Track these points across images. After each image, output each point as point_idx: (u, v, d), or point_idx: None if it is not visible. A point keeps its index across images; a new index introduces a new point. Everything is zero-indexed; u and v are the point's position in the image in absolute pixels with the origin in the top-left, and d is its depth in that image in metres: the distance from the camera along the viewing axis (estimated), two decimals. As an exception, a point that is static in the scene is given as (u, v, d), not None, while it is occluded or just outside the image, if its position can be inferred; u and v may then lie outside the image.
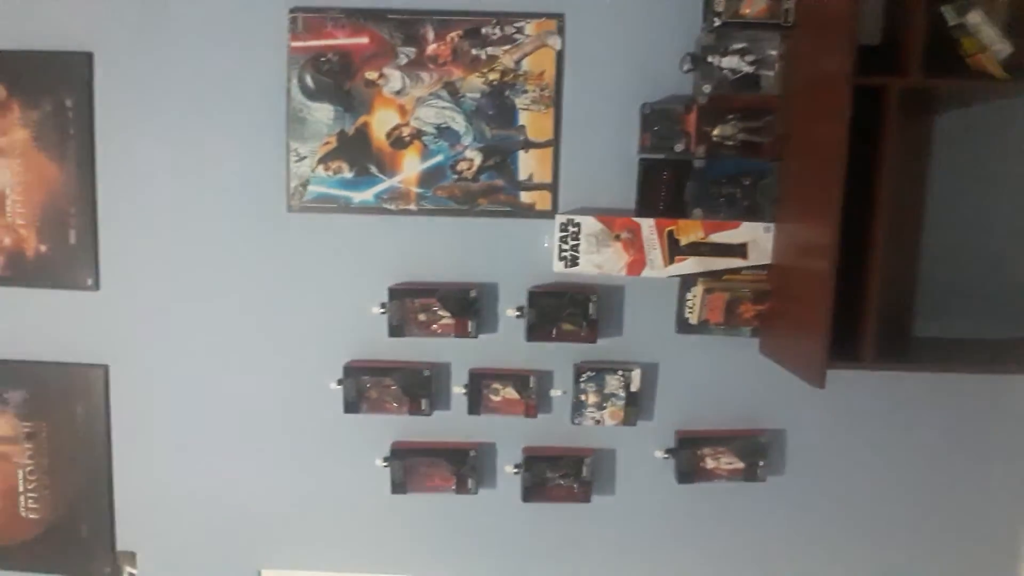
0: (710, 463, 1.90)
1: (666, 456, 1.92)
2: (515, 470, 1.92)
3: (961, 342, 1.81)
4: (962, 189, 1.85)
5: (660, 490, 1.95)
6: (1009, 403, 1.91)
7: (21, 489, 2.02)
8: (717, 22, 1.69)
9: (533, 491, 1.91)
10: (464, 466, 1.91)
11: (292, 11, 1.82)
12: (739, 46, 1.72)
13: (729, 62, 1.73)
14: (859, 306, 1.55)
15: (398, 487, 1.92)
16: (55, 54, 1.87)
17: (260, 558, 2.03)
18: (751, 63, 1.73)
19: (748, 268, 1.82)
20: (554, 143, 1.84)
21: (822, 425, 1.93)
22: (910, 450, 1.94)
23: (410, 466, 1.92)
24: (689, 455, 1.90)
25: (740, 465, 1.89)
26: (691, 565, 1.99)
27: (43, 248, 1.93)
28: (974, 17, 1.49)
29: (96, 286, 1.94)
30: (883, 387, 1.90)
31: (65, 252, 1.92)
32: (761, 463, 1.89)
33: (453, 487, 1.92)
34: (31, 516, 2.03)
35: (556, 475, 1.91)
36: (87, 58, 1.87)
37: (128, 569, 2.08)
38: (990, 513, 1.95)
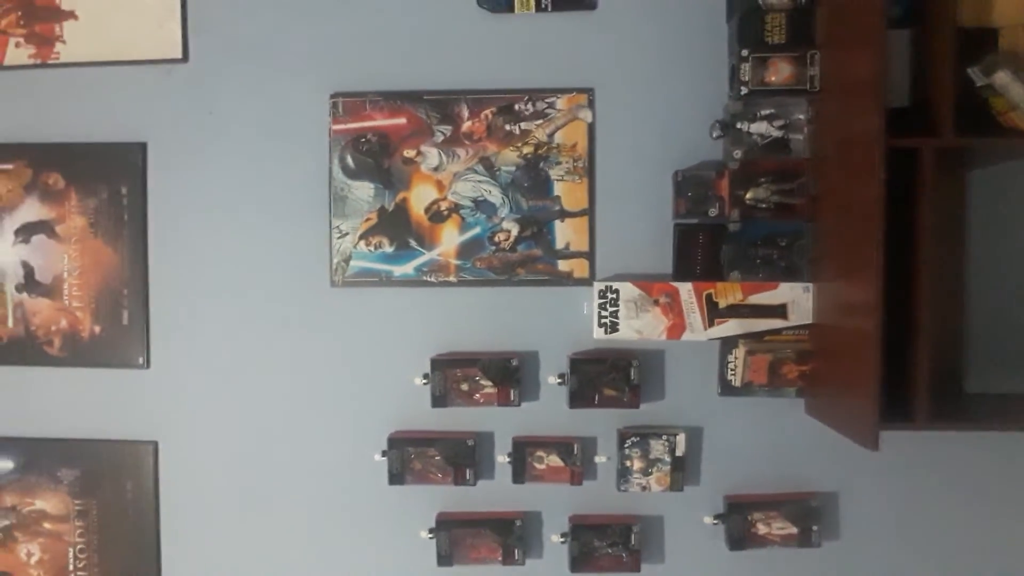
0: (762, 528, 1.86)
1: (716, 522, 1.88)
2: (562, 539, 1.89)
3: (1015, 397, 1.77)
4: (1002, 241, 1.84)
5: (712, 557, 1.90)
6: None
7: (71, 568, 2.03)
8: (744, 91, 1.73)
9: (581, 561, 1.87)
10: (510, 536, 1.89)
11: (333, 96, 1.91)
12: (767, 112, 1.75)
13: (758, 127, 1.76)
14: (905, 363, 1.53)
15: (444, 559, 1.90)
16: (111, 145, 1.97)
17: (308, 635, 2.02)
18: (780, 127, 1.76)
19: (789, 328, 1.81)
20: (589, 212, 1.88)
21: (876, 486, 1.88)
22: (970, 509, 1.87)
23: (456, 537, 1.90)
24: (739, 520, 1.86)
25: (793, 530, 1.85)
26: (747, 636, 1.93)
27: (97, 329, 1.99)
28: (1002, 78, 1.50)
29: (147, 364, 1.99)
30: (938, 445, 1.84)
31: (118, 332, 1.99)
32: (815, 527, 1.84)
33: (500, 558, 1.89)
34: (81, 595, 2.04)
35: (604, 544, 1.87)
36: (141, 148, 1.97)
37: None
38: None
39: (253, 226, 1.96)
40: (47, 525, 2.03)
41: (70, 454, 2.02)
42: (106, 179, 1.97)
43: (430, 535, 1.90)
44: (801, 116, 1.75)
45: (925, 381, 1.51)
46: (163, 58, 1.96)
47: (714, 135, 1.79)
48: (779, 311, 1.81)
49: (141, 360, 1.99)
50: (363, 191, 1.91)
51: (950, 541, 1.88)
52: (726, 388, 1.86)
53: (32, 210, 1.99)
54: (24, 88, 2.00)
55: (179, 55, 1.95)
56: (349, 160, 1.91)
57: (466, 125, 1.89)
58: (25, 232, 2.00)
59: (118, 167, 1.97)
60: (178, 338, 1.99)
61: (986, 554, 1.88)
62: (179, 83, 1.97)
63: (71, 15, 1.97)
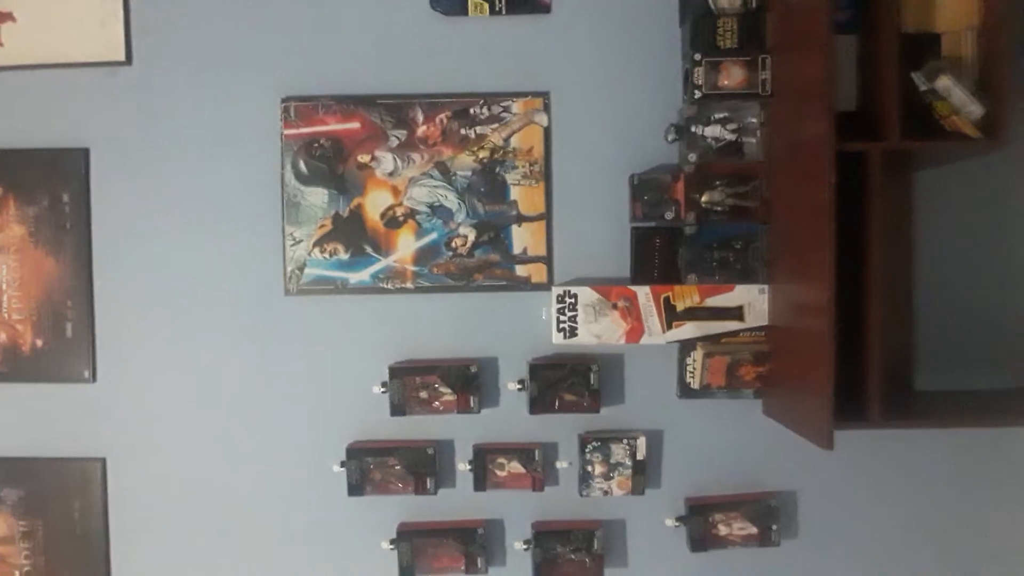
0: (723, 529, 1.87)
1: (677, 524, 1.88)
2: (525, 546, 1.87)
3: (964, 394, 1.81)
4: (949, 241, 1.88)
5: (674, 559, 1.91)
6: (1018, 453, 1.90)
7: (17, 591, 1.96)
8: (697, 94, 1.74)
9: (544, 568, 1.86)
10: (473, 545, 1.87)
11: (284, 100, 1.87)
12: (720, 115, 1.77)
13: (712, 131, 1.78)
14: (858, 362, 1.55)
15: (406, 570, 1.87)
16: (51, 151, 1.90)
17: (267, 652, 1.97)
18: (733, 131, 1.78)
19: (746, 330, 1.83)
20: (546, 216, 1.87)
21: (834, 484, 1.91)
22: (925, 505, 1.91)
23: (418, 547, 1.87)
24: (700, 522, 1.87)
25: (753, 530, 1.86)
26: (710, 636, 1.94)
27: (39, 343, 1.92)
28: (943, 82, 1.54)
29: (93, 378, 1.92)
30: (891, 442, 1.88)
31: (62, 346, 1.91)
32: (774, 527, 1.86)
33: (463, 567, 1.87)
34: (26, 619, 1.96)
35: (567, 549, 1.87)
36: (84, 154, 1.90)
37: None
38: (1008, 567, 1.92)
39: (203, 234, 1.91)
40: (-9, 548, 1.95)
41: (14, 473, 1.94)
42: (47, 186, 1.90)
43: (391, 546, 1.87)
44: (754, 120, 1.77)
45: (877, 380, 1.54)
46: (106, 60, 1.89)
47: (669, 139, 1.81)
48: (736, 313, 1.82)
49: (87, 374, 1.92)
50: (317, 197, 1.87)
51: (906, 536, 1.92)
52: (685, 391, 1.87)
53: (-32, 220, 1.91)
54: (-43, 94, 1.92)
55: (122, 57, 1.89)
56: (302, 166, 1.87)
57: (421, 129, 1.86)
58: (-39, 243, 1.92)
59: (59, 174, 1.90)
60: (126, 350, 1.92)
61: (941, 547, 1.92)
62: (123, 86, 1.90)
63: (8, 17, 1.90)
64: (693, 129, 1.78)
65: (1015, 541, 1.92)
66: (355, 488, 1.86)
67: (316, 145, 1.87)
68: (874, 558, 1.92)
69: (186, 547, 1.94)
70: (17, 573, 1.95)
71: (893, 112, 1.52)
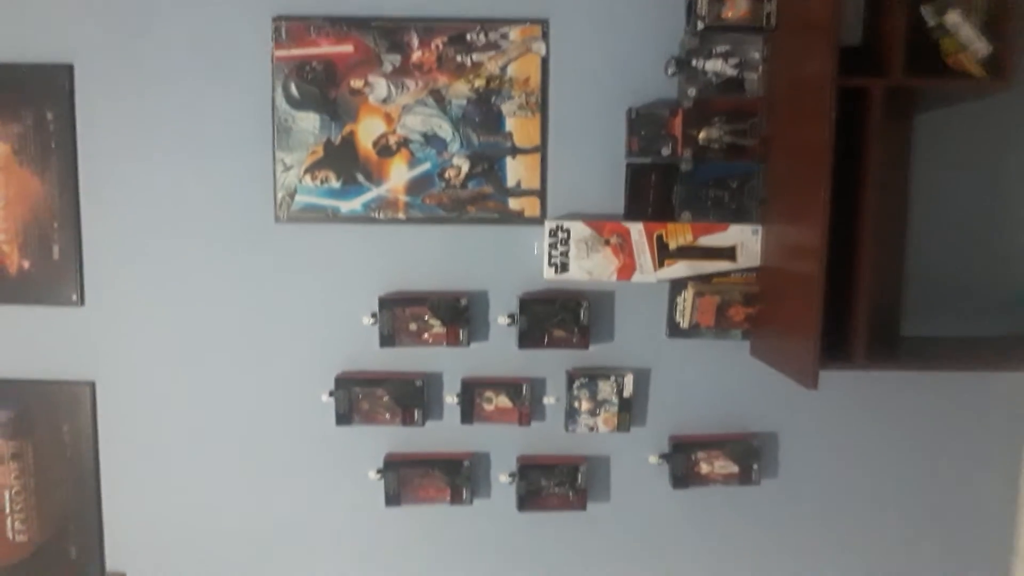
0: (704, 468, 1.90)
1: (660, 462, 1.91)
2: (510, 479, 1.90)
3: (949, 340, 1.82)
4: (945, 188, 1.87)
5: (655, 496, 1.95)
6: (998, 399, 1.92)
7: (7, 511, 1.98)
8: (700, 26, 1.70)
9: (528, 500, 1.89)
10: (458, 476, 1.89)
11: (275, 19, 1.82)
12: (722, 49, 1.73)
13: (713, 65, 1.74)
14: (848, 306, 1.56)
15: (392, 499, 1.90)
16: (35, 67, 1.85)
17: (254, 574, 2.00)
18: (735, 66, 1.74)
19: (737, 271, 1.82)
20: (541, 149, 1.84)
21: (814, 426, 1.93)
22: (903, 448, 1.94)
23: (404, 478, 1.90)
24: (683, 460, 1.89)
25: (735, 469, 1.89)
26: (688, 570, 1.98)
27: (26, 264, 1.90)
28: (952, 17, 1.51)
29: (81, 301, 1.91)
30: (873, 387, 1.90)
31: (49, 268, 1.90)
32: (755, 466, 1.89)
33: (448, 498, 1.90)
34: (19, 538, 1.99)
35: (551, 483, 1.89)
36: (68, 70, 1.85)
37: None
38: (983, 509, 1.96)
39: (192, 157, 1.87)
40: (-21, 467, 1.97)
41: (3, 395, 1.94)
42: (31, 103, 1.85)
43: (378, 475, 1.90)
44: (756, 55, 1.74)
45: (864, 324, 1.54)
46: (91, -27, 1.83)
47: (669, 72, 1.77)
48: (728, 253, 1.81)
49: (75, 297, 1.91)
50: (308, 122, 1.83)
51: (883, 478, 1.95)
52: (674, 330, 1.87)
53: (-49, 136, 1.87)
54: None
55: (109, -30, 1.83)
56: (293, 89, 1.83)
57: (416, 55, 1.82)
58: (-56, 160, 1.88)
59: (43, 90, 1.85)
60: (114, 274, 1.91)
61: (918, 488, 1.96)
62: (108, 1, 1.84)
63: (-11, -76, 1.83)
64: (694, 63, 1.74)
65: (991, 482, 1.95)
66: (343, 417, 1.87)
67: (308, 68, 1.82)
68: (851, 498, 1.96)
69: (175, 471, 1.96)
70: (7, 493, 1.97)
71: (898, 47, 1.49)
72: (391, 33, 1.81)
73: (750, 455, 1.89)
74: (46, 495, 1.97)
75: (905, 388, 1.91)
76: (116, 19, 1.84)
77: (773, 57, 1.72)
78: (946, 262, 1.89)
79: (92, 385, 1.94)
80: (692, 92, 1.74)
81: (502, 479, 1.91)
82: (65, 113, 1.85)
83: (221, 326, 1.92)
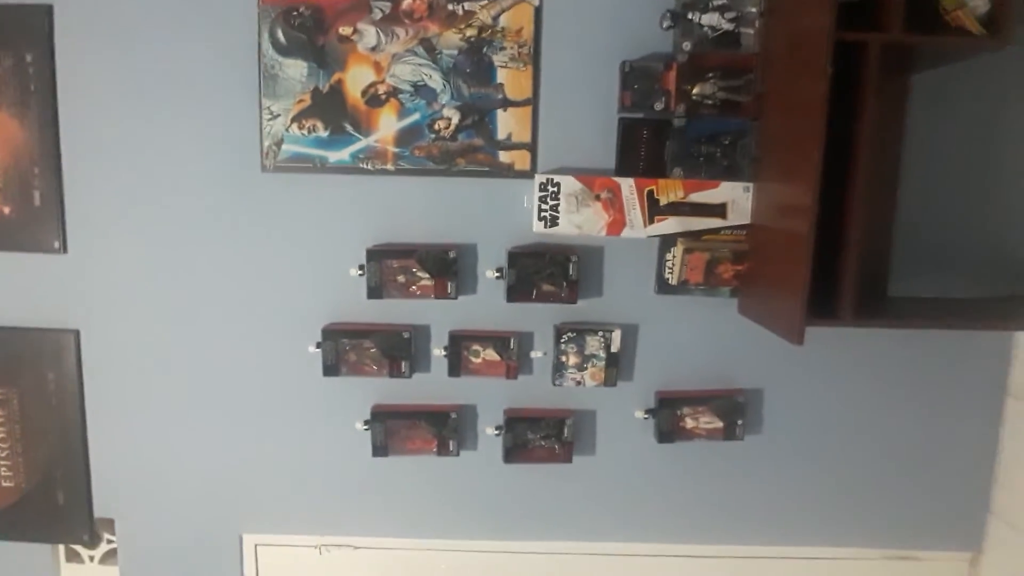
0: (689, 423, 1.92)
1: (646, 416, 1.93)
2: (496, 432, 1.92)
3: (934, 301, 1.84)
4: (937, 148, 1.86)
5: (640, 450, 1.97)
6: (978, 357, 1.95)
7: (-7, 458, 1.99)
8: (698, -23, 1.67)
9: (514, 452, 1.92)
10: (445, 428, 1.91)
11: (262, -37, 1.77)
12: (719, 3, 1.70)
13: (709, 19, 1.71)
14: (836, 265, 1.56)
15: (379, 450, 1.92)
16: (13, 7, 1.79)
17: (241, 523, 2.03)
18: (731, 20, 1.71)
19: (727, 228, 1.82)
20: (533, 102, 1.82)
21: (799, 384, 1.96)
22: (885, 405, 1.97)
23: (391, 429, 1.91)
24: (668, 415, 1.92)
25: (719, 424, 1.92)
26: (671, 523, 2.03)
27: (6, 210, 1.87)
28: (954, -28, 1.48)
29: (63, 249, 1.89)
30: (858, 344, 1.92)
31: (30, 214, 1.87)
32: (739, 422, 1.91)
33: (434, 449, 1.92)
34: (6, 484, 2.00)
35: (537, 436, 1.92)
36: (47, 11, 1.79)
37: (107, 536, 2.07)
38: (962, 465, 2.00)
39: (176, 102, 1.83)
40: (-35, 415, 1.96)
41: (-14, 342, 1.93)
42: (8, 45, 1.80)
43: (365, 427, 1.91)
44: (753, 9, 1.71)
45: (852, 282, 1.55)
46: (68, -92, 1.76)
47: (664, 25, 1.74)
48: (719, 210, 1.81)
49: (57, 244, 1.88)
50: (295, 70, 1.79)
51: (865, 434, 1.99)
52: (663, 286, 1.88)
53: (-74, 77, 1.82)
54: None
55: (87, -95, 1.76)
56: (280, 35, 1.78)
57: (406, 2, 1.77)
58: (-80, 101, 1.83)
59: (21, 32, 1.80)
60: (97, 222, 1.88)
61: (899, 445, 1.99)
62: (88, -62, 1.78)
63: None
64: (690, 16, 1.71)
65: (970, 439, 1.99)
66: (330, 368, 1.87)
67: (295, 13, 1.77)
68: (833, 454, 2.00)
69: (161, 419, 1.97)
70: (-7, 440, 1.98)
71: (897, 2, 1.46)
72: (381, -23, 1.76)
73: (735, 411, 1.91)
74: (32, 442, 1.98)
75: (889, 346, 1.93)
76: (95, -44, 1.79)
77: (770, 11, 1.69)
78: (936, 223, 1.89)
79: (76, 333, 1.93)
80: (687, 46, 1.71)
81: (489, 431, 1.93)
82: (45, 55, 1.80)
83: (206, 276, 1.90)
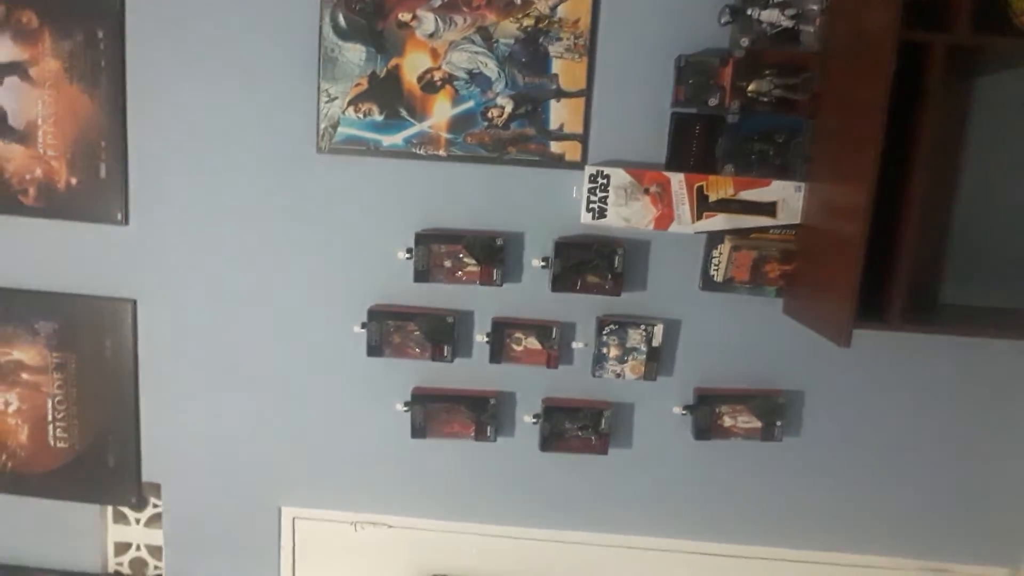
0: (727, 421, 1.92)
1: (684, 412, 1.93)
2: (534, 420, 1.94)
3: (986, 310, 1.80)
4: (997, 156, 1.82)
5: (677, 445, 1.97)
6: (1031, 372, 1.91)
7: (50, 419, 2.07)
8: (760, -27, 1.65)
9: (551, 441, 1.93)
10: (484, 413, 1.94)
11: (327, -52, 1.80)
12: (780, -1, 1.69)
13: (769, 16, 1.70)
14: (887, 268, 1.54)
15: (418, 431, 1.95)
16: (87, -15, 1.86)
17: (280, 495, 2.08)
18: (791, 17, 1.70)
19: (776, 227, 1.81)
20: (586, 93, 1.82)
21: (841, 388, 1.94)
22: (930, 415, 1.94)
23: (430, 411, 1.94)
24: (707, 412, 1.91)
25: (757, 424, 1.91)
26: (704, 521, 2.03)
27: (73, 181, 1.94)
28: (1027, -26, 1.45)
29: (125, 221, 1.96)
30: (902, 351, 1.89)
31: (95, 186, 1.94)
32: (778, 423, 1.90)
33: (472, 434, 1.95)
34: (59, 445, 2.08)
35: (574, 426, 1.93)
36: (119, -11, 1.86)
37: (153, 500, 2.14)
38: (1008, 475, 1.96)
39: (238, 82, 1.88)
40: (25, 376, 2.05)
41: (48, 307, 2.01)
42: (82, 20, 1.87)
43: (405, 408, 1.94)
44: (814, 7, 1.69)
45: (902, 286, 1.53)
46: None
47: (722, 20, 1.73)
48: (768, 209, 1.80)
49: (119, 216, 1.95)
50: (354, 54, 1.83)
51: (908, 442, 1.96)
52: (708, 283, 1.87)
53: (4, 50, 1.89)
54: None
55: None
56: (341, 20, 1.82)
57: (466, -10, 1.80)
58: (-2, 73, 1.91)
59: (94, 8, 1.86)
60: (158, 196, 1.94)
61: (943, 456, 1.96)
62: (162, -80, 1.84)
63: None
64: (749, 12, 1.70)
65: (1019, 454, 1.95)
66: (374, 349, 1.91)
67: (356, -1, 1.81)
68: (872, 461, 1.97)
69: (211, 390, 2.03)
70: (50, 401, 2.06)
71: (964, 4, 1.43)
72: (442, -35, 1.79)
73: (774, 412, 1.90)
74: (87, 406, 2.05)
75: (938, 354, 1.90)
76: (169, -62, 1.84)
77: (832, 9, 1.67)
78: (993, 230, 1.84)
79: (134, 303, 2.00)
80: (745, 42, 1.70)
81: (526, 419, 1.95)
82: (115, 32, 1.86)
83: (260, 252, 1.95)
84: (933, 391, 1.93)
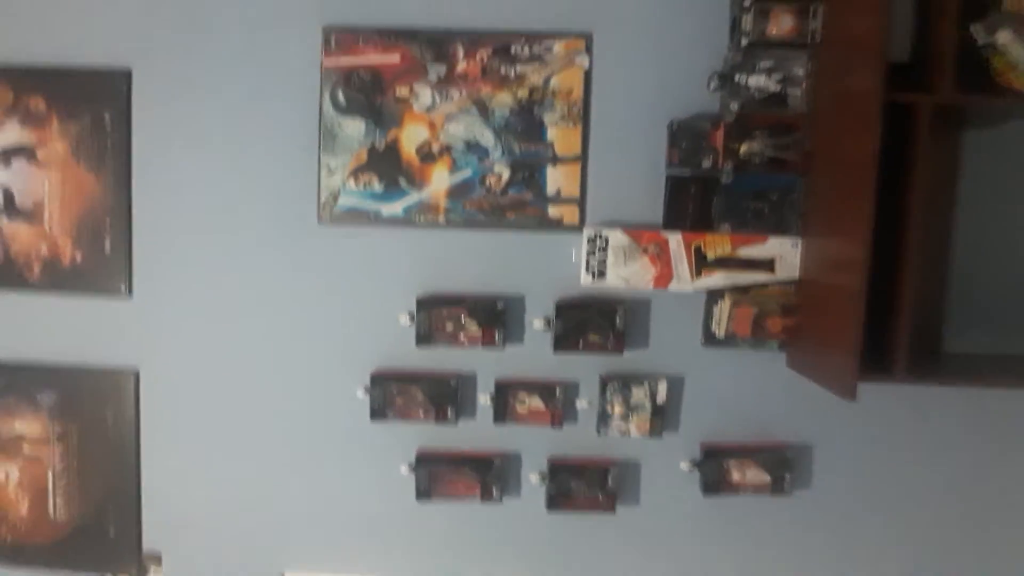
0: (736, 476, 1.91)
1: (691, 468, 1.93)
2: (540, 479, 1.93)
3: (991, 358, 1.81)
4: (990, 204, 1.85)
5: (685, 502, 1.96)
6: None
7: (50, 490, 2.05)
8: (744, 42, 1.70)
9: (558, 500, 1.92)
10: (489, 474, 1.93)
11: (326, 29, 1.86)
12: (766, 65, 1.73)
13: (756, 81, 1.74)
14: (889, 319, 1.56)
15: (423, 494, 1.94)
16: (95, 71, 1.91)
17: (284, 561, 2.06)
18: (778, 81, 1.75)
19: (776, 282, 1.83)
20: (582, 158, 1.86)
21: (849, 439, 1.93)
22: (940, 465, 1.93)
23: (435, 473, 1.94)
24: (714, 467, 1.91)
25: (766, 479, 1.90)
26: (715, 576, 2.00)
27: (79, 256, 1.97)
28: (1003, 36, 1.50)
29: (129, 293, 1.98)
30: (910, 402, 1.90)
31: (100, 260, 1.96)
32: (787, 477, 1.89)
33: (478, 495, 1.94)
34: (60, 517, 2.06)
35: (581, 485, 1.92)
36: (126, 75, 1.91)
37: (154, 569, 2.11)
38: (1019, 528, 1.95)
39: (240, 158, 1.93)
40: (27, 448, 2.04)
41: (50, 379, 2.01)
42: (90, 105, 1.92)
43: (410, 470, 1.94)
44: (800, 71, 1.74)
45: (905, 337, 1.54)
46: (152, -20, 1.89)
47: (712, 87, 1.78)
48: (767, 265, 1.82)
49: (123, 288, 1.97)
50: (354, 128, 1.87)
51: (919, 494, 1.95)
52: (710, 339, 1.88)
53: (13, 134, 1.94)
54: (7, 8, 1.92)
55: (168, -23, 1.88)
56: (340, 96, 1.87)
57: (461, 65, 1.85)
58: (5, 156, 1.95)
59: (102, 93, 1.92)
60: (161, 268, 1.97)
61: (955, 507, 1.95)
62: (167, 9, 1.90)
63: (54, -66, 1.89)
64: (737, 78, 1.75)
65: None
66: (377, 413, 1.91)
67: (355, 76, 1.86)
68: (885, 514, 1.96)
69: (212, 458, 2.03)
70: (51, 472, 2.05)
71: (948, 64, 1.48)
72: (437, 44, 1.84)
73: (783, 465, 1.90)
74: (88, 476, 2.04)
75: (945, 404, 1.90)
76: (174, 27, 1.91)
77: (818, 72, 1.72)
78: (991, 278, 1.87)
79: (136, 373, 2.01)
80: (734, 106, 1.75)
81: (532, 479, 1.94)
82: (122, 115, 1.91)
83: (263, 321, 1.97)
84: (944, 441, 1.92)
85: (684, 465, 1.93)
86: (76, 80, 1.91)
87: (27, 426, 2.03)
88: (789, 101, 1.74)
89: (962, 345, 1.85)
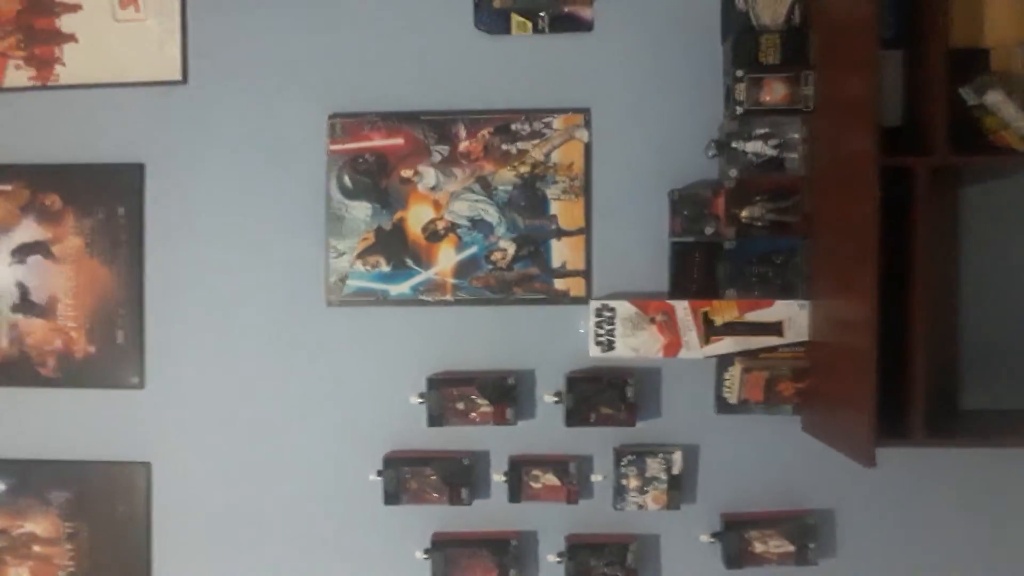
0: (758, 547, 1.85)
1: (712, 540, 1.87)
2: (558, 559, 1.88)
3: (1011, 413, 1.77)
4: (995, 257, 1.85)
5: (709, 576, 1.90)
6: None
7: (61, 591, 2.01)
8: (739, 110, 1.75)
9: (578, 582, 1.86)
10: (506, 556, 1.88)
11: (331, 117, 1.93)
12: (762, 131, 1.77)
13: (753, 147, 1.78)
14: (901, 379, 1.53)
15: (440, 580, 1.89)
16: (109, 167, 1.98)
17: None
18: (775, 147, 1.78)
19: (785, 346, 1.82)
20: (586, 231, 1.89)
21: (873, 503, 1.88)
22: (967, 526, 1.87)
23: (451, 557, 1.89)
24: (736, 539, 1.85)
25: (790, 548, 1.84)
26: (746, 656, 1.91)
27: (92, 349, 1.98)
28: (993, 96, 1.53)
29: (141, 384, 1.98)
30: (934, 461, 1.85)
31: (113, 352, 1.98)
32: (811, 545, 1.83)
33: (496, 579, 1.88)
34: (69, 617, 2.01)
35: (600, 563, 1.86)
36: (139, 169, 1.97)
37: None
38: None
39: (250, 246, 1.96)
40: (37, 548, 2.01)
41: (62, 476, 2.00)
42: (103, 200, 1.97)
43: (425, 555, 1.89)
44: (796, 135, 1.77)
45: (921, 398, 1.51)
46: (163, 80, 1.97)
47: (710, 154, 1.81)
48: (775, 328, 1.81)
49: (136, 380, 1.98)
50: (360, 211, 1.91)
51: (946, 557, 1.88)
52: (722, 406, 1.86)
53: (29, 231, 1.99)
54: (23, 110, 2.01)
55: (179, 77, 1.96)
56: (346, 180, 1.92)
57: (463, 145, 1.90)
58: (21, 253, 1.99)
59: (116, 188, 1.97)
60: (173, 358, 1.98)
61: (982, 569, 1.87)
62: (178, 104, 1.98)
63: (71, 38, 1.98)
64: (734, 145, 1.78)
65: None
66: (391, 497, 1.88)
67: (361, 160, 1.91)
68: (912, 577, 1.88)
69: (226, 552, 1.98)
70: (61, 574, 2.01)
71: (941, 127, 1.50)
72: (440, 126, 1.90)
73: (806, 533, 1.84)
74: (98, 574, 2.00)
75: (968, 462, 1.84)
76: (185, 121, 1.98)
77: (813, 137, 1.75)
78: (1003, 331, 1.85)
79: (148, 466, 1.99)
80: (733, 173, 1.78)
81: (550, 559, 1.89)
82: (135, 208, 1.97)
83: (274, 407, 1.97)
84: (968, 500, 1.86)
85: (704, 537, 1.87)
86: (90, 175, 1.98)
87: (38, 525, 2.01)
88: (787, 164, 1.77)
89: (979, 399, 1.81)
